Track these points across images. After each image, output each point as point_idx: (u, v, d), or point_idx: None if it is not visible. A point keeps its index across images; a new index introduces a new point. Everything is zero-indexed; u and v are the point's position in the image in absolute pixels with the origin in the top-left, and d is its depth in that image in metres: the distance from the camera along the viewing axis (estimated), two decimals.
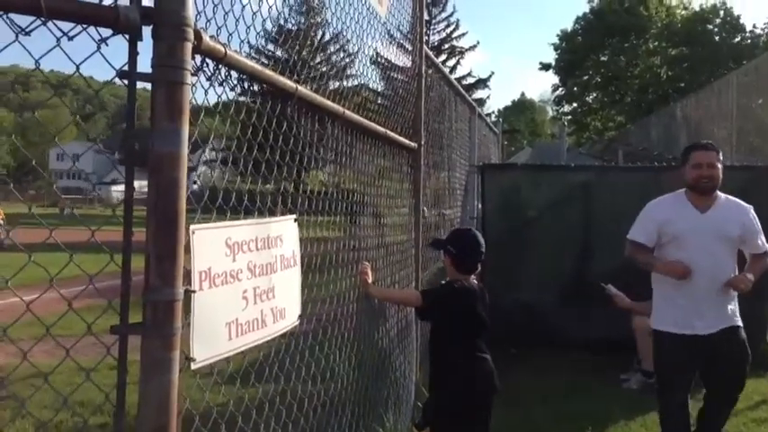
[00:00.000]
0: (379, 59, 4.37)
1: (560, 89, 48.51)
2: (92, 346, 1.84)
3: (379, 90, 4.49)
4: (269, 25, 2.31)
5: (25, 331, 6.34)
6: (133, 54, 1.56)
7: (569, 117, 48.63)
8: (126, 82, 1.56)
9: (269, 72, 2.04)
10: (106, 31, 1.54)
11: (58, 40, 1.52)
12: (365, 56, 3.67)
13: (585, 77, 46.14)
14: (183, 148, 1.56)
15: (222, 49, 1.75)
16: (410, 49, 4.72)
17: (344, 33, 3.24)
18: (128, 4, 1.54)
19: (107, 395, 1.75)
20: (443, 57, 40.65)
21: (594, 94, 47.13)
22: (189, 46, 1.56)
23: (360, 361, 3.33)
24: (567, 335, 7.14)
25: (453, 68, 40.30)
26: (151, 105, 1.53)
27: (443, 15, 42.21)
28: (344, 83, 3.48)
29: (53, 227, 1.74)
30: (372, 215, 3.76)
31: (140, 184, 1.62)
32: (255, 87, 2.14)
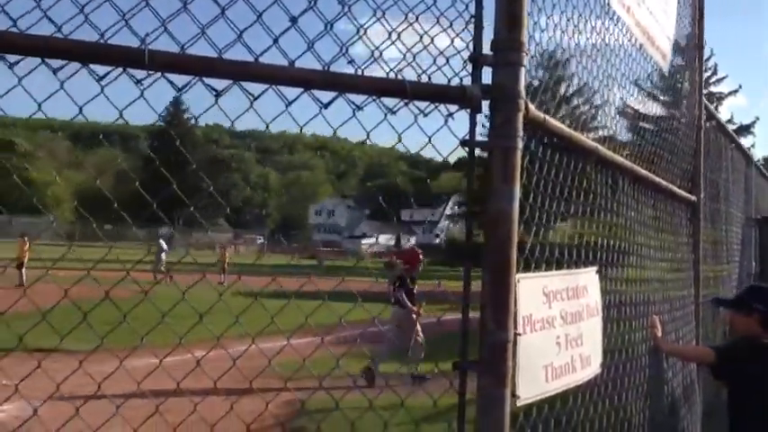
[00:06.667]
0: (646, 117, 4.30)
1: None
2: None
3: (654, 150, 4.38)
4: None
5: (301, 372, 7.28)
6: (473, 125, 1.82)
7: None
8: (467, 149, 1.81)
9: (577, 134, 2.20)
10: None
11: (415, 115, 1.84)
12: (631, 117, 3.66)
13: None
14: (515, 206, 1.76)
15: (543, 117, 1.95)
16: (684, 103, 4.59)
17: (608, 97, 3.26)
18: (470, 83, 1.81)
19: None
20: None
21: None
22: (521, 116, 1.77)
23: (651, 415, 3.26)
24: None
25: None
26: (489, 169, 1.76)
27: None
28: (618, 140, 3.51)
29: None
30: (656, 269, 3.69)
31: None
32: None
